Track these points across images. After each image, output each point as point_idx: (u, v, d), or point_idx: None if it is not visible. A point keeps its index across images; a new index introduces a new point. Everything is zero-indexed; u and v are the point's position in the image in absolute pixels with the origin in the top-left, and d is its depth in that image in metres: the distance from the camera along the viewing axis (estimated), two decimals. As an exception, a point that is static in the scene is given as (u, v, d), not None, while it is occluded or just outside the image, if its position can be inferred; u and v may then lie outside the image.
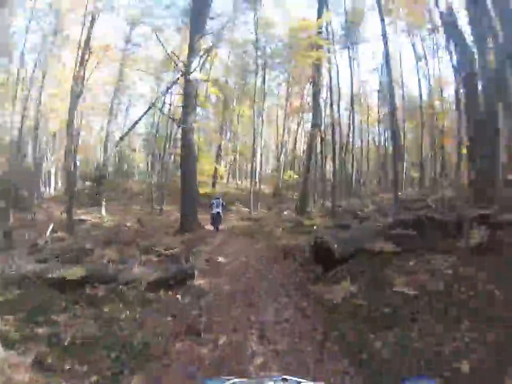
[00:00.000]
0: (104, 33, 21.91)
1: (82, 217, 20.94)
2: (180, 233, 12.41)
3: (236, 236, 13.03)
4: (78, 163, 28.34)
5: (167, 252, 8.64)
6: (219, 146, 26.57)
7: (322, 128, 19.03)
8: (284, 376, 1.24)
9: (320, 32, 16.88)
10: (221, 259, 8.69)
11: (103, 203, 21.60)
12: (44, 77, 24.54)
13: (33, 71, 24.33)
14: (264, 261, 8.41)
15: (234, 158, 24.98)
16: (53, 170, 33.06)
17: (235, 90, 31.81)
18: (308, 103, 29.10)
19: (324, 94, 20.55)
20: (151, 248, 8.76)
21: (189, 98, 12.34)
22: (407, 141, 32.37)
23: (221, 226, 15.02)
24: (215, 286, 6.45)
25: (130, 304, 5.33)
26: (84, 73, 17.77)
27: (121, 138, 22.55)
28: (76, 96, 16.39)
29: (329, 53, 17.92)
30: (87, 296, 5.62)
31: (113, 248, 9.04)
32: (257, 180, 24.42)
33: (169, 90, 20.92)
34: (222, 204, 15.11)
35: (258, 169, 25.79)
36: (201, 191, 23.33)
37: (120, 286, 5.99)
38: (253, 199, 20.65)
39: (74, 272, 6.29)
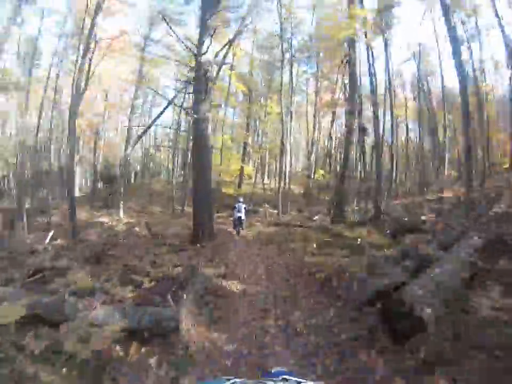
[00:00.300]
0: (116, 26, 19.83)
1: (100, 219, 19.35)
2: (192, 243, 10.10)
3: (260, 246, 10.54)
4: (97, 163, 27.07)
5: (159, 275, 6.25)
6: (245, 144, 24.12)
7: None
8: (284, 376, 1.24)
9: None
10: (233, 286, 6.25)
11: (121, 204, 19.77)
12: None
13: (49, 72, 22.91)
14: (292, 292, 5.88)
15: (261, 156, 22.48)
16: (78, 170, 31.84)
17: (261, 86, 29.61)
18: (340, 98, 26.38)
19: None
20: (136, 273, 6.35)
21: (201, 83, 9.99)
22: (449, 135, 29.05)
23: (243, 232, 13.24)
24: (211, 345, 4.00)
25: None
26: (90, 66, 15.72)
27: (140, 137, 20.55)
28: (78, 92, 14.33)
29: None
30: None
31: (94, 268, 6.84)
32: (286, 180, 21.77)
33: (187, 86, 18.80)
34: (245, 207, 13.71)
35: (287, 168, 23.35)
36: (226, 191, 21.05)
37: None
38: (282, 200, 17.99)
39: (10, 311, 4.16)
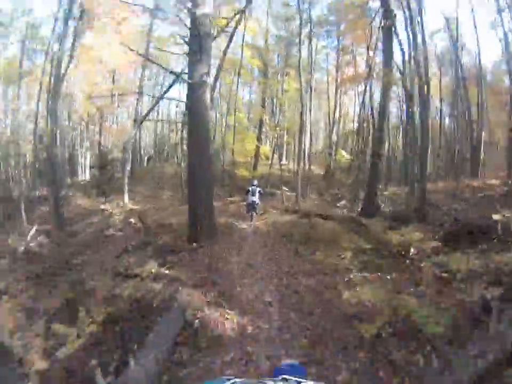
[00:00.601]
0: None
1: (102, 206, 17.46)
2: (189, 241, 7.85)
3: (274, 246, 8.14)
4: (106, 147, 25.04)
5: (119, 305, 4.04)
6: (261, 123, 21.39)
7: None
8: (284, 376, 1.22)
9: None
10: (227, 323, 3.96)
11: (125, 190, 17.73)
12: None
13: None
14: (316, 347, 3.50)
15: (279, 135, 19.79)
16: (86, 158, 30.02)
17: (278, 62, 26.80)
18: (365, 71, 23.33)
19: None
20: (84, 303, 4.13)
21: (195, 42, 7.44)
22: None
23: (255, 221, 11.54)
24: None
25: None
26: (74, 43, 13.27)
27: (145, 116, 18.30)
28: (58, 72, 12.01)
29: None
30: None
31: (37, 291, 4.70)
32: (306, 160, 19.17)
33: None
34: (259, 191, 12.13)
35: (307, 147, 20.72)
36: (240, 173, 18.69)
37: None
38: (301, 182, 15.44)
39: None
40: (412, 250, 5.67)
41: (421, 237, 6.07)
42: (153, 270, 5.64)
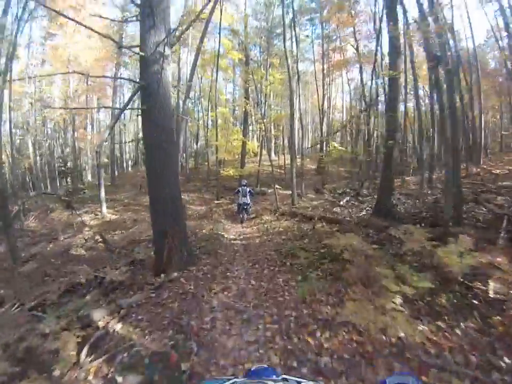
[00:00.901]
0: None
1: (79, 219, 15.07)
2: (155, 271, 5.45)
3: (272, 275, 5.59)
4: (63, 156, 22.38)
5: None
6: (246, 115, 18.94)
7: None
8: (284, 376, 1.21)
9: None
10: None
11: (102, 199, 15.33)
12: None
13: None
14: None
15: (266, 128, 17.53)
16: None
17: (260, 54, 24.58)
18: (354, 54, 21.18)
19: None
20: None
21: (147, 2, 5.06)
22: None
23: (247, 230, 9.89)
24: None
25: None
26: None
27: (117, 118, 15.66)
28: None
29: None
30: None
31: None
32: (297, 154, 16.83)
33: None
34: (250, 191, 11.53)
35: (299, 140, 18.53)
36: (227, 173, 16.33)
37: None
38: (295, 179, 12.98)
39: None
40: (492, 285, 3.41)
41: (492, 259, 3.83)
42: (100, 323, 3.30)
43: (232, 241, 8.39)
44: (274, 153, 30.12)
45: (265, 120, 14.84)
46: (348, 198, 12.25)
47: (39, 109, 25.17)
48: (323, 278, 4.76)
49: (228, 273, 5.61)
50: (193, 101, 28.27)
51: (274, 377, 1.27)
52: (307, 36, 27.83)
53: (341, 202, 11.49)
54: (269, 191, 17.48)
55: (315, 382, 1.22)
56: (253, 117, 21.21)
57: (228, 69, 22.35)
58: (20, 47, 21.85)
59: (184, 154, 23.34)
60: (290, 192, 15.79)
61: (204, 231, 9.53)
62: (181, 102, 16.92)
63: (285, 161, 21.48)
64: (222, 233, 9.16)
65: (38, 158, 26.77)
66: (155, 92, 5.26)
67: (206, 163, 20.66)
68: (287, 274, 5.29)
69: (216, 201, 15.37)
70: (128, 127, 36.31)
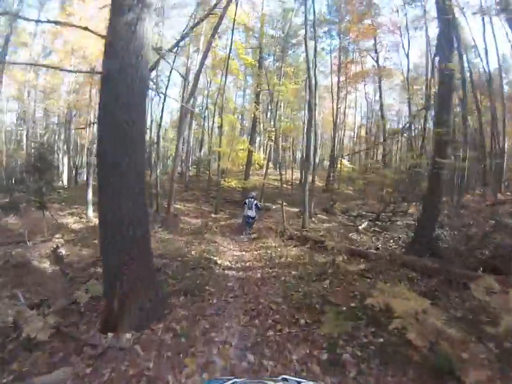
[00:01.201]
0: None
1: (66, 220, 13.39)
2: (103, 329, 3.48)
3: (280, 334, 3.68)
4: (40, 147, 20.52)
5: None
6: (254, 122, 16.97)
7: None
8: (284, 376, 1.15)
9: None
10: None
11: (89, 200, 13.53)
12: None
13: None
14: None
15: (276, 138, 15.55)
16: (65, 161, 25.49)
17: (274, 62, 22.98)
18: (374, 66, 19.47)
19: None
20: None
21: None
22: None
23: (247, 254, 7.99)
24: None
25: None
26: None
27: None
28: None
29: None
30: None
31: None
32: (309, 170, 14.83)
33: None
34: (257, 204, 10.80)
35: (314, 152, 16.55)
36: (228, 183, 14.42)
37: None
38: (307, 197, 10.84)
39: None
40: None
41: None
42: None
43: (226, 270, 6.39)
44: (280, 167, 28.23)
45: (275, 129, 12.91)
46: (366, 222, 10.27)
47: (40, 100, 23.74)
48: (369, 364, 2.79)
49: (214, 334, 3.62)
50: (200, 107, 26.62)
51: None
52: (323, 49, 26.35)
53: (360, 227, 9.49)
54: (274, 207, 15.56)
55: (315, 382, 1.36)
56: (262, 125, 19.43)
57: (238, 74, 20.68)
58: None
59: (185, 160, 21.51)
60: (298, 210, 13.91)
61: (193, 252, 7.59)
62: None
63: (292, 176, 19.61)
64: (215, 258, 7.18)
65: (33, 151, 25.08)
66: (124, 49, 3.38)
67: (208, 171, 18.77)
68: (304, 346, 3.32)
69: (213, 215, 13.41)
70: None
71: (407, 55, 16.87)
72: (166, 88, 14.92)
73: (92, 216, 13.24)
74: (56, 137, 26.76)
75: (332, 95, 21.03)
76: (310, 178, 13.09)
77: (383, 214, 11.55)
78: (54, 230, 11.14)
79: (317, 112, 30.14)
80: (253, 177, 18.85)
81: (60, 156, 25.64)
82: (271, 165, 22.70)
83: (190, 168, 27.47)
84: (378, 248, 7.34)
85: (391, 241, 7.99)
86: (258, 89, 15.27)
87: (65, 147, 25.89)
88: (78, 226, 12.44)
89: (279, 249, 7.70)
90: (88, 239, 9.89)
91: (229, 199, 16.88)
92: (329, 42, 27.41)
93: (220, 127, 13.93)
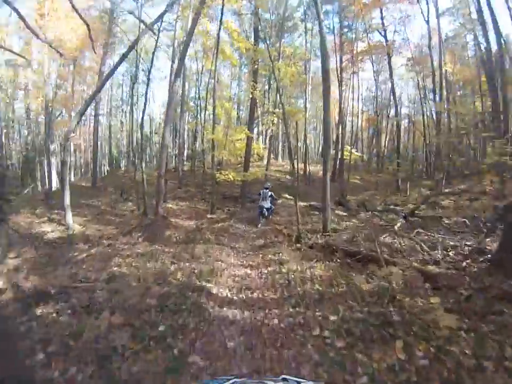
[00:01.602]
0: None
1: (43, 228, 11.24)
2: None
3: None
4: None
5: None
6: (252, 104, 14.11)
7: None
8: (284, 376, 1.12)
9: None
10: None
11: (67, 205, 11.17)
12: None
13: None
14: None
15: (283, 118, 13.03)
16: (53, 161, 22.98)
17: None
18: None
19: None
20: None
21: None
22: None
23: (252, 271, 5.83)
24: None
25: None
26: None
27: (88, 103, 11.45)
28: None
29: None
30: None
31: None
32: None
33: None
34: (272, 195, 10.05)
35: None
36: (224, 177, 12.02)
37: None
38: (328, 194, 8.32)
39: None
40: None
41: None
42: None
43: (224, 308, 4.06)
44: (292, 155, 25.81)
45: (281, 104, 10.50)
46: (400, 220, 7.91)
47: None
48: None
49: None
50: (194, 99, 24.08)
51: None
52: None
53: (396, 227, 7.14)
54: (279, 201, 13.18)
55: (315, 382, 1.30)
56: (261, 108, 17.03)
57: (232, 59, 18.08)
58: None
59: (179, 154, 19.08)
60: (307, 204, 11.66)
61: (179, 275, 5.28)
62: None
63: (299, 166, 17.22)
64: (209, 284, 4.86)
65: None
66: None
67: (202, 165, 16.33)
68: None
69: (209, 215, 11.03)
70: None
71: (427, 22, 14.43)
72: (150, 69, 12.48)
73: (71, 223, 10.96)
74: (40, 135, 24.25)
75: (338, 78, 18.55)
76: (313, 168, 10.71)
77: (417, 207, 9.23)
78: (15, 244, 8.83)
79: (316, 99, 27.81)
80: (252, 169, 16.45)
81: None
82: (272, 155, 20.30)
83: (185, 162, 25.05)
84: (438, 261, 5.02)
85: (449, 248, 5.66)
86: (256, 66, 12.75)
87: (52, 146, 23.45)
88: (53, 236, 10.25)
89: (297, 266, 5.35)
90: (52, 257, 7.67)
91: (227, 195, 14.49)
92: (329, 23, 24.99)
93: (213, 111, 11.45)
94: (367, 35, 17.87)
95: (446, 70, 16.34)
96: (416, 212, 8.43)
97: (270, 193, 9.95)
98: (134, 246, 8.20)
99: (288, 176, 18.90)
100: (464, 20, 17.50)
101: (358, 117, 25.93)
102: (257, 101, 14.29)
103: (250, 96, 12.37)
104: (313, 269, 5.22)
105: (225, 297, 4.45)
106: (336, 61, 18.53)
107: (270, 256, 6.19)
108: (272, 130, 15.43)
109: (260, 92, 13.99)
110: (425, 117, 19.37)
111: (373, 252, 5.35)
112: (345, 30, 19.65)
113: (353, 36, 18.90)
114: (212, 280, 5.04)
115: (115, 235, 9.91)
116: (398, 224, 7.39)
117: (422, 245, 5.72)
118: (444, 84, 16.38)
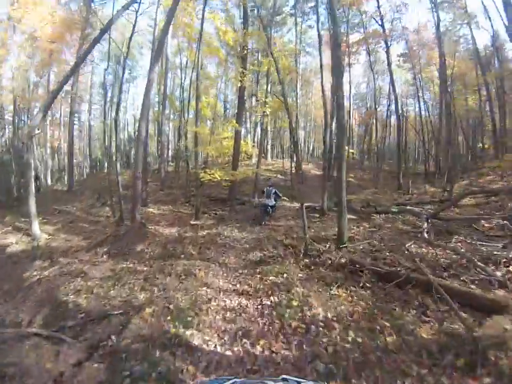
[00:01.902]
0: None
1: (7, 239, 9.56)
2: None
3: None
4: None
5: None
6: (240, 94, 12.20)
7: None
8: (284, 376, 1.11)
9: None
10: None
11: (33, 213, 9.39)
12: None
13: None
14: None
15: (265, 113, 11.41)
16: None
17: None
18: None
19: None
20: None
21: None
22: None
23: (249, 301, 4.13)
24: None
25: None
26: None
27: (51, 100, 9.58)
28: None
29: None
30: None
31: None
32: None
33: None
34: (275, 192, 9.56)
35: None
36: (209, 177, 10.35)
37: None
38: (345, 198, 6.57)
39: None
40: None
41: None
42: None
43: (210, 377, 2.51)
44: (296, 148, 24.23)
45: (268, 99, 8.93)
46: (425, 223, 6.41)
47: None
48: None
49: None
50: (177, 93, 22.25)
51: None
52: (310, 26, 22.39)
53: (425, 234, 5.67)
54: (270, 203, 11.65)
55: (315, 382, 1.20)
56: (251, 99, 15.41)
57: (218, 52, 16.24)
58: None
59: (161, 154, 17.31)
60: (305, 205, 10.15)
61: (147, 312, 3.67)
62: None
63: (291, 165, 15.66)
64: (188, 329, 3.26)
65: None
66: None
67: (186, 164, 14.57)
68: None
69: (193, 222, 9.32)
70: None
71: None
72: (126, 56, 10.76)
73: (38, 233, 9.28)
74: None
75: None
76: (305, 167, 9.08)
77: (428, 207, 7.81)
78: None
79: (304, 98, 26.52)
80: (241, 168, 14.81)
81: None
82: (256, 153, 18.71)
83: (170, 163, 23.18)
84: (502, 282, 3.56)
85: (504, 260, 4.19)
86: (245, 52, 11.09)
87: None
88: (16, 249, 8.76)
89: (312, 297, 3.79)
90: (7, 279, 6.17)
91: (214, 197, 12.83)
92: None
93: (196, 100, 9.71)
94: (363, 23, 16.47)
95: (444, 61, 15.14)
96: (441, 213, 6.94)
97: (273, 190, 9.51)
98: (102, 263, 6.58)
99: (280, 175, 17.39)
100: (458, 12, 16.47)
101: (350, 113, 24.64)
102: (246, 95, 12.60)
103: (239, 85, 10.71)
104: (336, 299, 3.67)
105: (212, 354, 2.87)
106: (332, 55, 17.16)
107: (271, 277, 4.59)
108: (263, 123, 13.72)
109: (250, 80, 12.39)
110: (422, 113, 18.24)
111: (413, 270, 3.87)
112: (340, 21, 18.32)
113: (348, 26, 17.54)
114: (193, 322, 3.43)
115: (84, 247, 8.29)
116: (425, 229, 5.92)
117: (474, 258, 4.24)
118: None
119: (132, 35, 10.87)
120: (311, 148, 30.13)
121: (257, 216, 9.77)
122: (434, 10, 15.42)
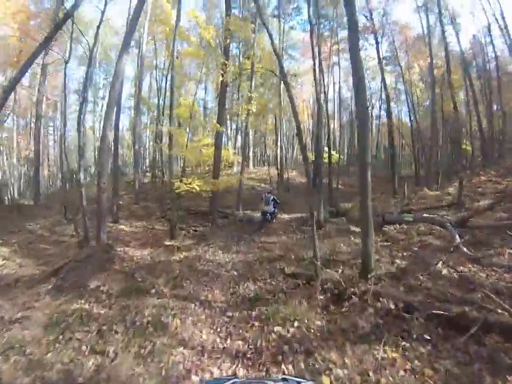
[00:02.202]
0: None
1: None
2: None
3: None
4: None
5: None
6: (222, 91, 10.54)
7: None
8: (284, 376, 1.10)
9: None
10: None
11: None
12: None
13: None
14: None
15: (249, 112, 10.21)
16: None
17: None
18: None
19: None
20: None
21: None
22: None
23: None
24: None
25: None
26: None
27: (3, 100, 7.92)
28: None
29: None
30: None
31: None
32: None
33: None
34: (274, 198, 9.32)
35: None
36: (189, 187, 8.82)
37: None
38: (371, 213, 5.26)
39: None
40: None
41: None
42: None
43: None
44: (253, 165, 22.89)
45: (254, 94, 7.60)
46: (456, 233, 5.13)
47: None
48: None
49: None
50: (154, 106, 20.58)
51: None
52: (292, 28, 21.52)
53: (463, 248, 4.39)
54: (256, 215, 10.35)
55: (315, 382, 1.25)
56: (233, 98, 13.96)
57: (198, 51, 14.67)
58: None
59: (136, 163, 15.63)
60: (298, 216, 8.92)
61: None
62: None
63: (276, 171, 14.37)
64: None
65: None
66: None
67: (160, 173, 12.97)
68: None
69: (168, 242, 7.73)
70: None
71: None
72: (93, 47, 9.13)
73: None
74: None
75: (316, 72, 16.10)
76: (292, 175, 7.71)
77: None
78: None
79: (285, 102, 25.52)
80: (222, 178, 13.25)
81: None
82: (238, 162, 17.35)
83: (147, 174, 21.37)
84: None
85: None
86: (227, 41, 9.71)
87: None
88: None
89: (350, 367, 2.39)
90: None
91: (193, 211, 11.30)
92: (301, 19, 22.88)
93: (171, 91, 8.20)
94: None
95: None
96: (470, 220, 5.64)
97: (272, 197, 9.32)
98: (50, 303, 4.95)
99: (263, 184, 16.05)
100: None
101: (334, 116, 23.75)
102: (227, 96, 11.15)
103: (221, 79, 9.31)
104: (391, 367, 2.28)
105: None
106: (313, 54, 16.10)
107: (276, 327, 3.15)
108: (247, 126, 12.17)
109: (232, 77, 10.94)
110: (411, 115, 17.54)
111: (481, 307, 2.56)
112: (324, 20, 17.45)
113: (334, 23, 16.72)
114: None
115: (37, 276, 6.61)
116: (459, 242, 4.65)
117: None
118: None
119: (99, 24, 9.32)
120: (294, 154, 28.95)
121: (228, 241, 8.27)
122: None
